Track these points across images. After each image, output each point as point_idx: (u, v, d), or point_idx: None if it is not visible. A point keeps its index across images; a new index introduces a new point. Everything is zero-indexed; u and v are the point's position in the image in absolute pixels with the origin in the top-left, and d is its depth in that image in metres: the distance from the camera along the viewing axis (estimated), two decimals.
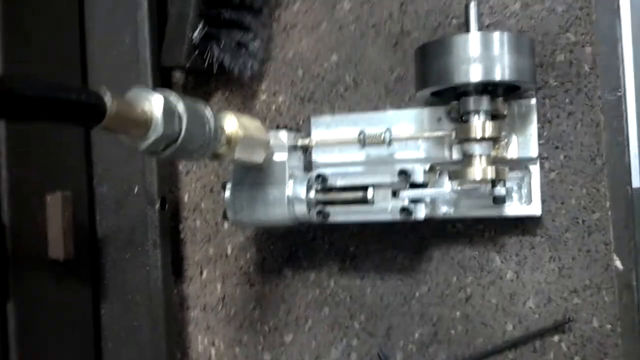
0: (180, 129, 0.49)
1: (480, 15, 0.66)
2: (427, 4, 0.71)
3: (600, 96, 0.66)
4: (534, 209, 0.65)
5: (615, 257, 0.65)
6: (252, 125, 0.62)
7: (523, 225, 0.67)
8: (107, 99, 0.43)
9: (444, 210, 0.67)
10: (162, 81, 0.76)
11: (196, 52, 0.72)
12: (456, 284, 0.69)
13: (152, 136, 0.47)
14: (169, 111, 0.48)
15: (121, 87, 0.74)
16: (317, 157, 0.70)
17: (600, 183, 0.65)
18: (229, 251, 0.77)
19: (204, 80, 0.78)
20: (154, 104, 0.47)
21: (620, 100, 0.66)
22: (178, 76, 0.79)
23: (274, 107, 0.76)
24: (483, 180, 0.62)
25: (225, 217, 0.67)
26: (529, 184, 0.65)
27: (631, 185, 0.66)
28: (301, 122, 0.75)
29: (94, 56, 0.76)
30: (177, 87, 0.79)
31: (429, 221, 0.70)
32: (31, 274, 0.67)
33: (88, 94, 0.42)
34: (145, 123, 0.47)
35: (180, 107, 0.49)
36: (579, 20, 0.67)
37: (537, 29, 0.68)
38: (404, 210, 0.62)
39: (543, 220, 0.67)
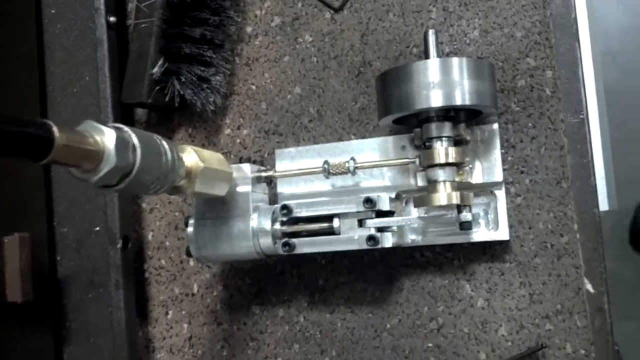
0: (135, 160, 0.48)
1: (440, 44, 0.66)
2: (387, 34, 0.72)
3: (563, 119, 0.66)
4: (502, 234, 0.64)
5: (585, 280, 0.64)
6: (213, 157, 0.61)
7: (492, 251, 0.67)
8: (55, 130, 0.42)
9: (411, 238, 0.67)
10: (123, 118, 0.75)
11: (157, 88, 0.72)
12: (427, 313, 0.68)
13: (105, 168, 0.46)
14: (122, 141, 0.47)
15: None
16: (282, 189, 0.69)
17: (567, 206, 0.65)
18: (195, 290, 0.75)
19: (166, 117, 0.78)
20: (106, 135, 0.46)
21: (583, 123, 0.66)
22: (140, 113, 0.78)
23: (238, 141, 0.76)
24: (448, 206, 0.61)
25: (188, 254, 0.65)
26: (496, 209, 0.65)
27: (598, 208, 0.66)
28: (266, 155, 0.74)
29: (55, 95, 0.75)
30: (140, 123, 0.78)
31: (397, 250, 0.69)
32: None
33: (34, 125, 0.41)
34: (97, 155, 0.45)
35: (134, 138, 0.48)
36: (538, 45, 0.67)
37: (497, 55, 0.68)
38: (371, 238, 0.61)
39: (511, 245, 0.66)
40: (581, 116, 0.66)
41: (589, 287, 0.64)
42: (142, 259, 0.77)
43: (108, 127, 0.47)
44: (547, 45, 0.67)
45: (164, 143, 0.52)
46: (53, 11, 0.77)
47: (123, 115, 0.75)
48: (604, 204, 0.66)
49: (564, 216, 0.65)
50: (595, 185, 0.66)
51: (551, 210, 0.65)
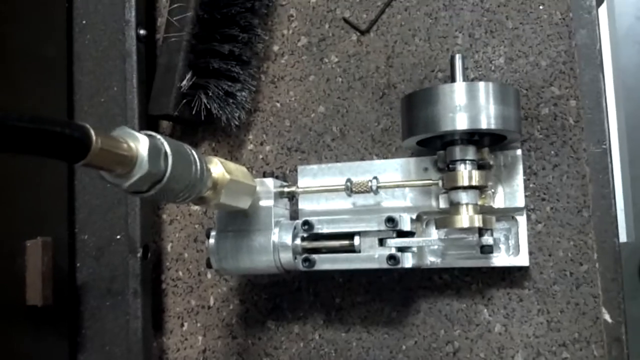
0: (167, 168, 0.49)
1: (465, 69, 0.67)
2: (413, 57, 0.73)
3: (586, 149, 0.66)
4: (522, 259, 0.64)
5: (604, 310, 0.64)
6: (239, 170, 0.61)
7: (510, 277, 0.67)
8: (92, 133, 0.42)
9: (431, 260, 0.67)
10: (149, 130, 0.76)
11: (184, 102, 0.72)
12: (444, 337, 0.68)
13: (137, 174, 0.46)
14: (155, 149, 0.47)
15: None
16: (303, 205, 0.70)
17: (587, 235, 0.65)
18: (212, 302, 0.76)
19: (191, 130, 0.78)
20: (140, 141, 0.47)
21: (606, 153, 0.66)
22: (165, 125, 0.79)
23: (260, 157, 0.76)
24: (470, 229, 0.61)
25: (208, 265, 0.66)
26: (516, 234, 0.65)
27: (618, 239, 0.66)
28: (288, 172, 0.75)
29: (81, 104, 0.76)
30: (165, 136, 0.79)
31: (415, 272, 0.69)
32: (8, 319, 0.65)
33: (73, 127, 0.41)
34: (130, 160, 0.46)
35: (167, 146, 0.49)
36: (562, 75, 0.68)
37: (521, 83, 0.69)
38: (392, 258, 0.61)
39: (531, 272, 0.66)
40: (604, 146, 0.66)
41: (607, 317, 0.64)
42: (160, 269, 0.77)
43: (142, 133, 0.48)
44: (572, 75, 0.68)
45: (194, 153, 0.53)
46: (84, 22, 0.78)
47: (149, 127, 0.76)
48: (623, 236, 0.66)
49: (584, 245, 0.65)
50: (616, 215, 0.66)
51: (571, 238, 0.65)
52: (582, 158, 0.66)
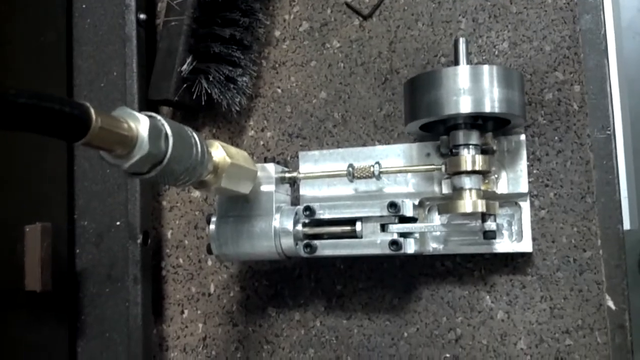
0: (167, 149, 0.48)
1: (469, 54, 0.66)
2: (415, 42, 0.72)
3: (590, 134, 0.66)
4: (525, 245, 0.64)
5: (607, 297, 0.64)
6: (240, 154, 0.61)
7: (513, 263, 0.66)
8: (92, 112, 0.42)
9: (433, 246, 0.66)
10: None
11: (184, 87, 0.72)
12: (446, 324, 0.67)
13: (137, 154, 0.46)
14: (155, 129, 0.47)
15: None
16: (304, 191, 0.69)
17: (591, 221, 0.65)
18: (212, 290, 0.75)
19: (191, 116, 0.78)
20: (140, 121, 0.46)
21: (610, 139, 0.66)
22: (166, 110, 0.78)
23: (261, 143, 0.76)
24: (473, 214, 0.61)
25: (209, 251, 0.65)
26: (520, 220, 0.64)
27: (622, 225, 0.65)
28: (289, 158, 0.74)
29: (81, 88, 0.76)
30: (166, 117, 0.78)
31: (417, 259, 0.68)
32: (6, 305, 0.64)
33: (73, 105, 0.41)
34: (130, 140, 0.45)
35: (167, 127, 0.48)
36: (567, 60, 0.67)
37: (525, 68, 0.68)
38: (394, 243, 0.61)
39: (534, 259, 0.65)
40: (608, 132, 0.66)
41: (611, 303, 0.63)
42: (160, 256, 0.76)
43: (142, 114, 0.47)
44: (576, 60, 0.67)
45: (195, 135, 0.52)
46: (84, 6, 0.78)
47: (149, 110, 0.75)
48: (627, 224, 0.66)
49: (588, 231, 0.65)
50: (620, 201, 0.65)
51: (575, 224, 0.65)
52: (586, 144, 0.66)
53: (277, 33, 0.77)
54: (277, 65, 0.77)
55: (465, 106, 0.59)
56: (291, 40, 0.77)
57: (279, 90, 0.76)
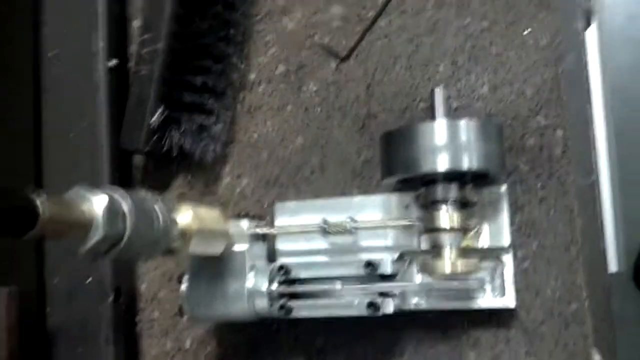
0: (125, 229, 0.46)
1: (447, 99, 0.64)
2: (394, 86, 0.70)
3: (574, 181, 0.64)
4: (508, 300, 0.62)
5: (594, 350, 0.62)
6: (209, 216, 0.58)
7: (497, 317, 0.64)
8: (41, 201, 0.39)
9: (414, 301, 0.64)
10: (121, 164, 0.74)
11: (156, 136, 0.70)
12: None
13: (93, 238, 0.44)
14: (111, 210, 0.45)
15: (79, 169, 0.72)
16: (281, 245, 0.67)
17: (575, 273, 0.62)
18: (188, 345, 0.73)
19: (165, 164, 0.75)
20: (94, 203, 0.44)
21: (594, 186, 0.64)
22: (138, 159, 0.76)
23: (237, 190, 0.73)
24: (453, 274, 0.59)
25: (181, 313, 0.63)
26: (502, 274, 0.62)
27: (607, 275, 0.64)
28: (266, 206, 0.72)
29: (49, 140, 0.73)
30: (138, 170, 0.76)
31: (400, 312, 0.66)
32: None
33: (15, 197, 0.38)
34: (84, 225, 0.43)
35: (125, 205, 0.46)
36: (549, 103, 0.65)
37: (506, 112, 0.66)
38: (371, 305, 0.59)
39: (518, 312, 0.63)
40: (592, 178, 0.64)
41: (597, 358, 0.61)
42: (134, 311, 0.74)
43: (98, 194, 0.45)
44: (559, 103, 0.65)
45: (157, 207, 0.50)
46: (54, 52, 0.75)
47: (121, 160, 0.74)
48: (612, 266, 0.64)
49: (573, 283, 0.63)
50: (605, 251, 0.64)
51: (559, 276, 0.63)
52: (569, 191, 0.64)
53: (252, 76, 0.75)
54: (252, 110, 0.74)
55: (442, 164, 0.57)
56: (267, 83, 0.74)
57: (255, 135, 0.74)
